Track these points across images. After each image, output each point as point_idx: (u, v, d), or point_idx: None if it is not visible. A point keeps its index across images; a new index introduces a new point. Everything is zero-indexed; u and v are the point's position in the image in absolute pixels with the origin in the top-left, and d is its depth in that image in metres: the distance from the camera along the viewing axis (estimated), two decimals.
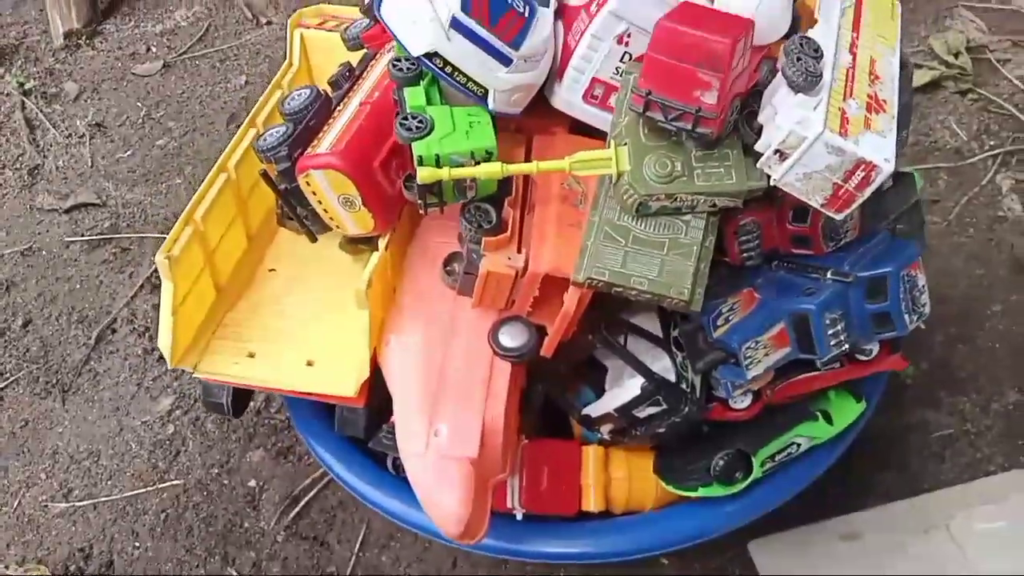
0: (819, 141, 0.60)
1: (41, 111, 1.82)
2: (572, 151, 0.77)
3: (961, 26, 1.69)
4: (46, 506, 1.18)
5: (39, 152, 1.74)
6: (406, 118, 0.69)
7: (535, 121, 0.80)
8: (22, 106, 1.84)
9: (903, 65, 0.74)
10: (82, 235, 1.56)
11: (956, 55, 1.61)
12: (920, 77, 1.59)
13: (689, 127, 0.64)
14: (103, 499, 1.17)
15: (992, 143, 1.49)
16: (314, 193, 0.76)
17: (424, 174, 0.66)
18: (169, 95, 1.85)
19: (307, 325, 0.86)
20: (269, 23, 2.01)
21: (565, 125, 0.81)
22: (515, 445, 0.80)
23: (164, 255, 0.78)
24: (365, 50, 0.88)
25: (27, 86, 1.87)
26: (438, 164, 0.68)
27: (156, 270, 1.47)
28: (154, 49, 1.98)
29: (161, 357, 1.35)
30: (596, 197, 0.70)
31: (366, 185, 0.74)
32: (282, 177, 0.77)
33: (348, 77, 0.85)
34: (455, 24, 0.68)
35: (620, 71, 0.74)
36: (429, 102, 0.72)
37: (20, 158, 1.73)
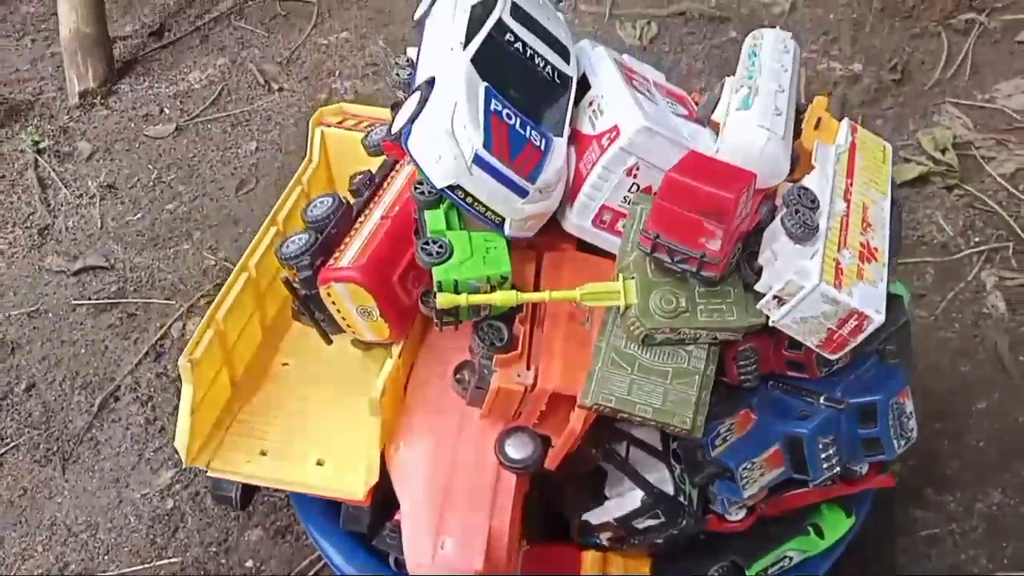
0: (815, 291, 0.64)
1: (54, 170, 1.86)
2: (580, 269, 0.82)
3: (948, 122, 1.76)
4: None
5: (50, 212, 1.78)
6: (427, 243, 0.73)
7: (545, 238, 0.84)
8: (35, 164, 1.88)
9: (893, 203, 0.78)
10: (89, 298, 1.59)
11: (943, 151, 1.68)
12: (909, 172, 1.66)
13: (694, 270, 0.69)
14: (100, 574, 1.18)
15: (977, 239, 1.55)
16: (334, 303, 0.79)
17: (443, 300, 0.70)
18: (180, 158, 1.90)
19: (318, 423, 0.88)
20: (281, 89, 2.06)
21: (574, 243, 0.85)
22: (517, 553, 0.83)
23: (187, 359, 0.81)
24: (384, 158, 0.92)
25: (41, 144, 1.91)
26: (456, 289, 0.72)
27: (161, 337, 1.50)
28: (167, 111, 2.03)
29: (163, 428, 1.37)
30: (603, 323, 0.74)
31: (384, 298, 0.78)
32: (303, 284, 0.81)
33: (369, 185, 0.89)
34: (477, 160, 0.73)
35: (628, 199, 0.79)
36: (448, 226, 0.76)
37: (31, 217, 1.77)
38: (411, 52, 0.89)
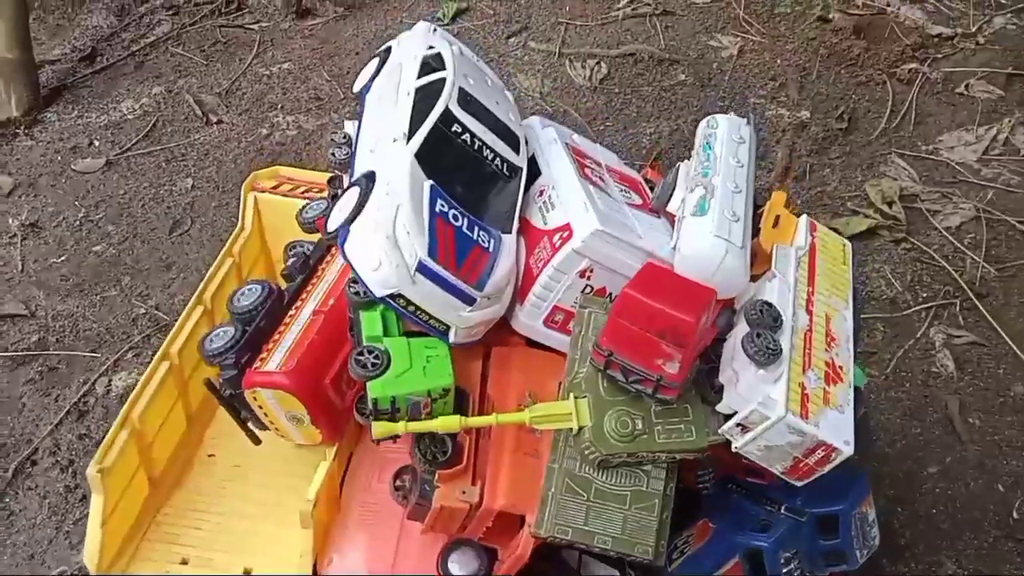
0: (781, 423, 0.61)
1: None
2: (529, 366, 0.77)
3: (895, 173, 1.78)
4: None
5: None
6: (362, 353, 0.67)
7: (494, 333, 0.79)
8: None
9: (854, 297, 0.76)
10: (6, 350, 1.48)
11: (890, 204, 1.69)
12: (857, 225, 1.66)
13: (649, 392, 0.65)
14: None
15: (925, 295, 1.55)
16: (260, 407, 0.73)
17: (379, 431, 0.64)
18: (110, 195, 1.79)
19: (245, 526, 0.82)
20: (220, 122, 1.97)
21: (523, 338, 0.80)
22: None
23: (96, 468, 0.73)
24: (319, 235, 0.86)
25: None
26: (394, 404, 0.66)
27: (84, 395, 1.40)
28: (97, 143, 1.92)
29: (84, 497, 1.27)
30: (555, 440, 0.69)
31: (315, 404, 0.72)
32: (227, 384, 0.74)
33: (302, 269, 0.83)
34: (421, 268, 0.67)
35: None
36: (386, 330, 0.70)
37: None
38: (348, 127, 0.83)
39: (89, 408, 1.39)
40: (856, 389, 0.83)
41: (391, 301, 0.68)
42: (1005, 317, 1.50)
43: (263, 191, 1.01)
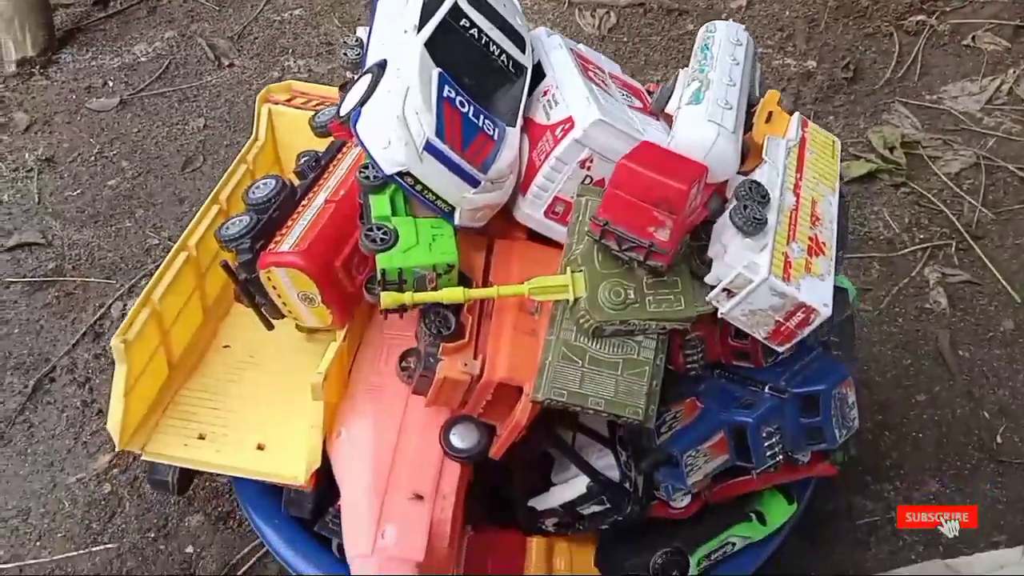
0: (764, 285, 0.64)
1: None
2: (530, 258, 0.81)
3: (897, 121, 1.80)
4: None
5: None
6: (371, 229, 0.71)
7: (496, 225, 0.83)
8: None
9: (841, 195, 0.79)
10: (24, 276, 1.53)
11: (891, 149, 1.71)
12: (858, 169, 1.68)
13: (641, 258, 0.68)
14: (31, 561, 1.14)
15: (922, 236, 1.58)
16: (274, 287, 0.77)
17: (387, 300, 0.68)
18: (124, 133, 1.83)
19: (259, 407, 0.86)
20: (231, 65, 2.01)
21: (525, 231, 0.84)
22: (461, 541, 0.82)
23: (120, 339, 0.78)
24: (332, 138, 0.90)
25: None
26: (400, 277, 0.70)
27: (100, 318, 1.45)
28: (111, 84, 1.95)
29: (100, 411, 1.32)
30: (552, 316, 0.73)
31: (327, 284, 0.76)
32: (243, 268, 0.78)
33: (314, 168, 0.87)
34: (429, 147, 0.71)
35: None
36: (394, 211, 0.74)
37: None
38: (361, 32, 0.86)
39: (104, 330, 1.44)
40: (842, 290, 0.88)
41: (400, 180, 0.72)
42: (999, 258, 1.53)
43: (276, 103, 1.04)
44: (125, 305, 1.47)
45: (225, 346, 0.93)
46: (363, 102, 0.73)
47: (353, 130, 0.73)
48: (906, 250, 1.55)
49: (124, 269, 1.53)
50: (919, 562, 1.14)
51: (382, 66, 0.75)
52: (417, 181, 0.72)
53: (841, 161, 1.76)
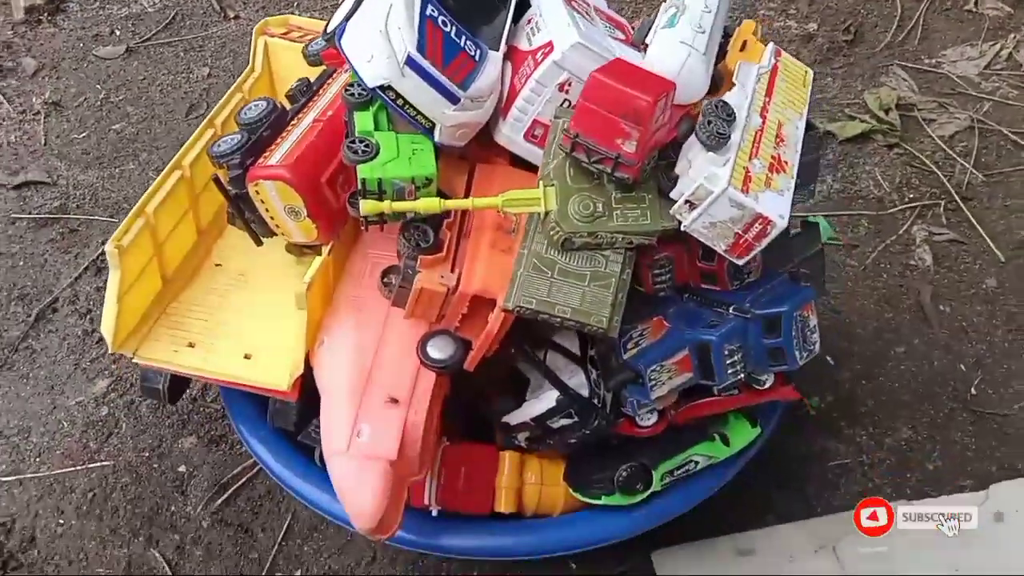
0: (723, 195, 0.67)
1: None
2: (511, 182, 0.84)
3: (894, 83, 1.81)
4: None
5: None
6: (353, 141, 0.74)
7: (478, 150, 0.86)
8: None
9: (810, 127, 0.82)
10: (29, 213, 1.57)
11: (887, 111, 1.73)
12: (852, 129, 1.70)
13: (609, 170, 0.71)
14: (30, 475, 1.19)
15: (911, 196, 1.60)
16: (262, 201, 0.80)
17: (367, 207, 0.72)
18: (130, 80, 1.86)
19: (247, 320, 0.90)
20: (237, 17, 2.03)
21: (506, 156, 0.87)
22: (435, 448, 0.86)
23: (114, 244, 0.81)
24: (324, 66, 0.93)
25: None
26: (380, 187, 0.73)
27: (102, 253, 1.49)
28: (118, 32, 1.98)
29: (100, 340, 1.37)
30: (526, 231, 0.76)
31: (312, 198, 0.79)
32: (233, 183, 0.82)
33: (305, 92, 0.90)
34: (410, 62, 0.73)
35: None
36: (377, 127, 0.77)
37: None
38: None
39: (106, 266, 1.48)
40: (813, 225, 0.90)
41: (382, 94, 0.75)
42: (987, 219, 1.55)
43: (272, 36, 1.07)
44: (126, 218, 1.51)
45: (217, 264, 0.96)
46: (348, 18, 0.76)
47: (338, 44, 0.76)
48: (895, 208, 1.57)
49: (126, 209, 1.55)
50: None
51: None
52: (399, 95, 0.75)
53: (836, 121, 1.78)
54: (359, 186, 0.74)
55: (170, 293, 0.91)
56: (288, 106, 0.90)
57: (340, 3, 0.84)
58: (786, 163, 0.73)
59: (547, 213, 0.74)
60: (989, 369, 1.33)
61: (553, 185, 0.75)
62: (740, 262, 0.73)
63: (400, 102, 0.75)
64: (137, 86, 1.85)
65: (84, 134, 1.74)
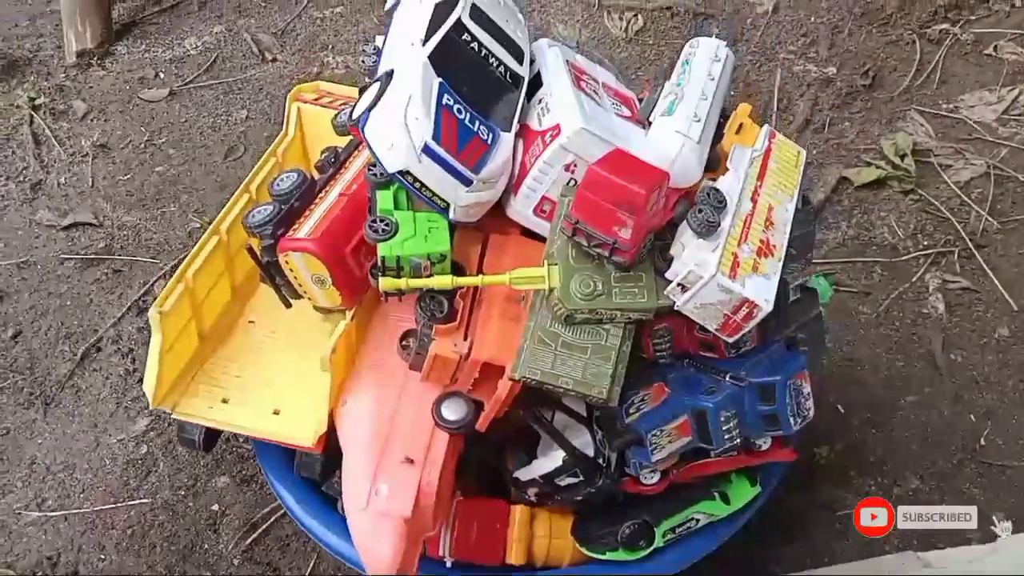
0: (712, 281, 0.72)
1: (48, 127, 1.93)
2: (522, 251, 0.90)
3: (911, 129, 1.83)
4: (19, 513, 1.27)
5: (43, 168, 1.84)
6: (375, 221, 0.81)
7: (492, 221, 0.92)
8: (30, 120, 1.94)
9: (806, 202, 0.86)
10: (77, 253, 1.66)
11: (903, 157, 1.75)
12: (867, 175, 1.73)
13: (607, 254, 0.77)
14: (74, 511, 1.27)
15: (926, 243, 1.62)
16: (291, 270, 0.87)
17: (385, 284, 0.78)
18: (172, 122, 1.96)
19: (277, 377, 0.97)
20: (274, 60, 2.12)
21: (518, 227, 0.93)
22: (449, 503, 0.91)
23: (157, 310, 0.88)
24: (351, 136, 0.99)
25: (37, 101, 1.97)
26: (399, 264, 0.79)
27: (145, 294, 1.57)
28: (162, 75, 2.08)
29: (141, 379, 1.44)
30: (532, 305, 0.82)
31: (337, 269, 0.85)
32: (265, 252, 0.88)
33: (332, 163, 0.96)
34: (426, 150, 0.80)
35: None
36: (396, 205, 0.84)
37: (24, 171, 1.83)
38: (379, 40, 0.96)
39: (148, 306, 1.56)
40: (811, 291, 0.94)
41: (401, 178, 0.82)
42: (1001, 267, 1.57)
43: (305, 102, 1.14)
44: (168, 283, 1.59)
45: (250, 322, 1.03)
46: (371, 108, 0.83)
47: (362, 132, 0.83)
48: (908, 256, 1.60)
49: (168, 250, 1.66)
50: (892, 553, 1.20)
51: (389, 75, 0.84)
52: (416, 179, 0.81)
53: (852, 167, 1.80)
54: (379, 263, 0.80)
55: (207, 350, 0.99)
56: (317, 176, 0.97)
57: (368, 38, 0.90)
58: (774, 247, 0.77)
59: (551, 290, 0.80)
60: (999, 420, 1.35)
61: (556, 264, 0.80)
62: (731, 340, 0.77)
63: (417, 185, 0.82)
64: (179, 128, 1.94)
65: (129, 176, 1.83)
